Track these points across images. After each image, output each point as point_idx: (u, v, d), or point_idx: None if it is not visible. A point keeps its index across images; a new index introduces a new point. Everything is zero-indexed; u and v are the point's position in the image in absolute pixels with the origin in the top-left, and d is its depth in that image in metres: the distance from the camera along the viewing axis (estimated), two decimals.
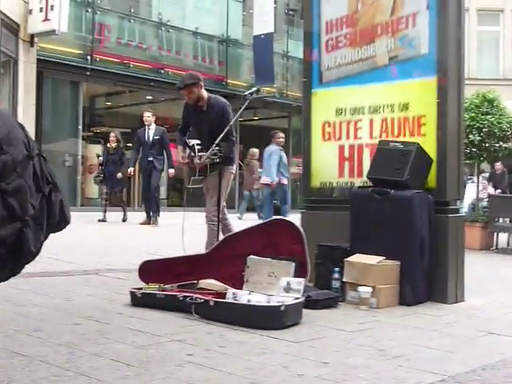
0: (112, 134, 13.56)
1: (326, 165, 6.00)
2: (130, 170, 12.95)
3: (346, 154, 5.89)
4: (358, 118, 5.84)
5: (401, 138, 5.54)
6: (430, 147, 5.36)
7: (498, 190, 15.38)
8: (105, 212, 13.37)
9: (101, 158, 13.62)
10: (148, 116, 12.53)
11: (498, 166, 15.80)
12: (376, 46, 5.75)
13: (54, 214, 2.48)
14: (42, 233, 2.42)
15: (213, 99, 6.16)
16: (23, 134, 2.44)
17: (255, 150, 16.72)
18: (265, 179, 12.53)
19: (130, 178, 15.74)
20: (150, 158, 12.34)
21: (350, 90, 5.91)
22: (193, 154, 5.94)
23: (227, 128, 5.78)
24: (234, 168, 6.35)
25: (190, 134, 6.26)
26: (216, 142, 5.73)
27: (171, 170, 12.67)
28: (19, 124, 2.49)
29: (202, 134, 6.04)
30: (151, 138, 12.40)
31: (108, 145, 13.65)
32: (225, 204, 6.22)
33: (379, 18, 5.75)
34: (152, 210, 12.66)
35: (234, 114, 6.11)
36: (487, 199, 13.51)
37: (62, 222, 2.56)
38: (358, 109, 5.83)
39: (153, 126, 12.54)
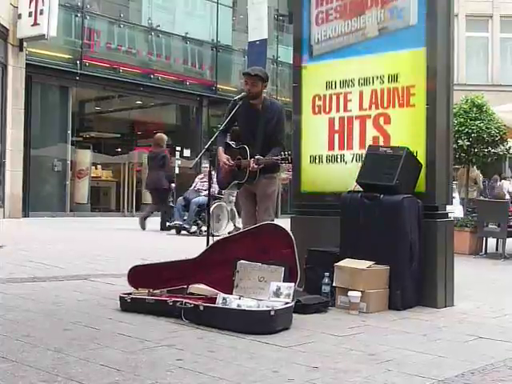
0: None
1: (316, 138, 6.03)
2: None
3: (336, 126, 5.92)
4: (347, 91, 5.86)
5: (390, 109, 5.59)
6: (420, 133, 5.40)
7: None
8: None
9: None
10: None
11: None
12: (366, 18, 5.78)
13: None
14: None
15: (268, 101, 6.11)
16: None
17: None
18: None
19: None
20: None
21: (340, 63, 5.94)
22: (239, 156, 5.91)
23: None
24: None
25: (240, 135, 6.08)
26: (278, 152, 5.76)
27: None
28: None
29: (255, 135, 5.90)
30: None
31: None
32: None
33: None
34: None
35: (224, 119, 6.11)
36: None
37: None
38: (347, 81, 5.86)
39: None
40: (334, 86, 5.94)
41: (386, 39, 5.67)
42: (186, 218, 12.57)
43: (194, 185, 13.07)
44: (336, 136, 5.91)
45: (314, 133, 6.06)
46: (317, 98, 6.04)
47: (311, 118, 6.08)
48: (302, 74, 6.16)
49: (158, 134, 13.66)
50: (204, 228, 12.53)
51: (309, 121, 6.09)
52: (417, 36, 5.46)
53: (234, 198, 12.77)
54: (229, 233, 11.33)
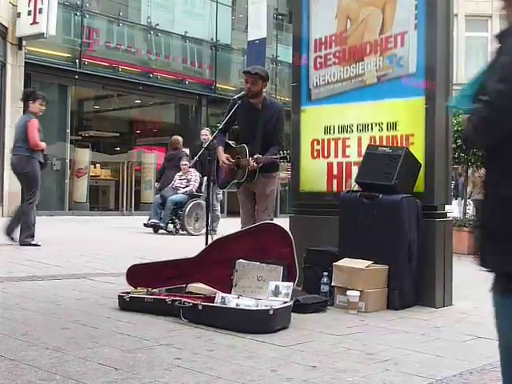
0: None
1: (315, 182, 6.00)
2: None
3: (335, 171, 5.88)
4: (346, 136, 5.83)
5: None
6: (419, 157, 5.36)
7: None
8: None
9: None
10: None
11: None
12: (365, 65, 5.75)
13: None
14: None
15: (268, 100, 6.06)
16: None
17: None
18: None
19: None
20: None
21: (339, 108, 5.90)
22: (238, 155, 5.86)
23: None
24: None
25: (239, 135, 6.04)
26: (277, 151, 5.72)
27: None
28: None
29: (254, 134, 5.85)
30: None
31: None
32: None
33: (368, 36, 5.75)
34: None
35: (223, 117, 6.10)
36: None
37: None
38: (346, 127, 5.82)
39: None
40: (332, 131, 5.91)
41: (384, 87, 5.64)
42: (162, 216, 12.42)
43: (172, 182, 12.84)
44: (334, 181, 5.88)
45: (313, 176, 6.02)
46: (315, 143, 6.01)
47: (310, 161, 6.05)
48: (300, 118, 6.13)
49: (174, 137, 13.62)
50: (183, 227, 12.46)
51: (307, 164, 6.06)
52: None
53: (220, 196, 12.60)
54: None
